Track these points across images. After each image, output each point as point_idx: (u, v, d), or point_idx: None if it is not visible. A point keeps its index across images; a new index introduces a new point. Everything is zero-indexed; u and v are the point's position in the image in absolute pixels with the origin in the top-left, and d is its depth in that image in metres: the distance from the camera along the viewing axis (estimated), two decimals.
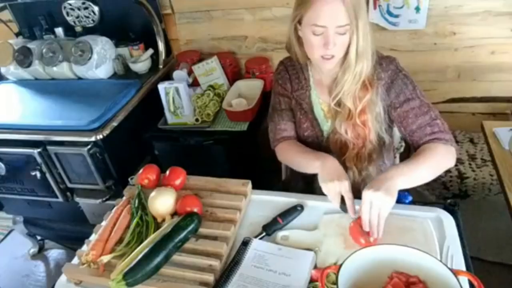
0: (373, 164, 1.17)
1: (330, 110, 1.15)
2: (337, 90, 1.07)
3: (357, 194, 1.08)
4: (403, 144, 1.40)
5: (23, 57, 1.86)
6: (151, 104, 1.73)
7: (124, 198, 1.12)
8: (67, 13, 1.93)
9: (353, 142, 1.12)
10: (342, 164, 1.14)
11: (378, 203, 0.88)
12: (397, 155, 1.41)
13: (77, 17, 1.94)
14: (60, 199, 1.73)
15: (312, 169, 1.06)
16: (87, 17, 1.93)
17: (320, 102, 1.17)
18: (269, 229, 1.00)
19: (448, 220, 0.97)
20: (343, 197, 0.98)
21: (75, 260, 0.98)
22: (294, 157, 1.16)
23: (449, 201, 1.04)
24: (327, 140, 1.18)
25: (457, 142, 1.80)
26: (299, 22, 1.02)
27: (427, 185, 1.00)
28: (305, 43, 1.04)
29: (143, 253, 0.88)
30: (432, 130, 1.05)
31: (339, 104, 1.09)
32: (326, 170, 1.01)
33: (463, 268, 0.85)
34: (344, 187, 0.97)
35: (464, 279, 0.77)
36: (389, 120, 1.14)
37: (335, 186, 0.97)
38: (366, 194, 0.90)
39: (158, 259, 0.88)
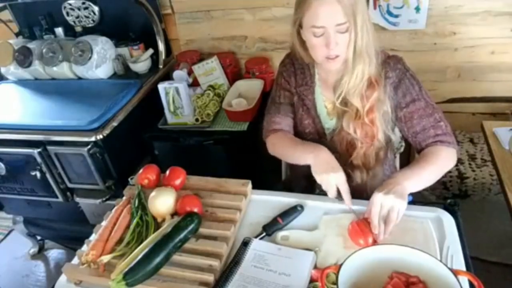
0: (380, 163, 1.17)
1: (334, 108, 1.14)
2: (340, 89, 1.07)
3: (363, 194, 1.08)
4: (403, 144, 1.40)
5: (23, 57, 1.86)
6: (151, 104, 1.74)
7: (124, 198, 1.12)
8: (67, 13, 1.93)
9: (361, 141, 1.11)
10: (349, 164, 1.15)
11: (389, 205, 0.90)
12: (397, 155, 1.41)
13: (77, 17, 1.94)
14: (60, 199, 1.73)
15: (304, 161, 1.06)
16: (87, 17, 1.93)
17: (324, 100, 1.17)
18: (269, 229, 1.00)
19: (448, 220, 0.97)
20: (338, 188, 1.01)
21: (75, 260, 0.98)
22: (285, 149, 1.17)
23: (449, 201, 1.04)
24: (332, 140, 1.17)
25: (457, 142, 1.80)
26: (300, 25, 1.02)
27: None
28: (308, 46, 1.04)
29: (143, 253, 0.88)
30: (435, 133, 1.06)
31: (345, 103, 1.09)
32: (320, 162, 1.02)
33: (463, 268, 0.85)
34: (339, 179, 0.99)
35: (464, 279, 0.77)
36: (395, 119, 1.14)
37: (330, 179, 0.99)
38: (377, 196, 0.91)
39: (158, 259, 0.88)
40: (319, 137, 1.19)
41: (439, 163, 1.02)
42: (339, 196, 1.00)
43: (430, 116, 1.06)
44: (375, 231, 0.90)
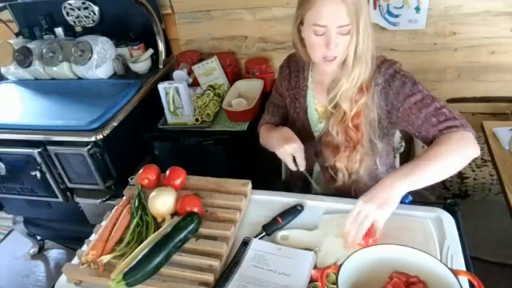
0: (364, 167, 1.14)
1: (325, 112, 1.14)
2: (334, 92, 1.06)
3: (347, 196, 1.09)
4: (403, 144, 1.40)
5: (23, 57, 1.86)
6: (151, 104, 1.74)
7: (124, 198, 1.12)
8: (67, 13, 1.93)
9: (344, 145, 1.11)
10: (333, 165, 1.16)
11: (364, 214, 0.86)
12: (397, 155, 1.41)
13: (77, 17, 1.94)
14: (60, 199, 1.73)
15: (272, 144, 1.15)
16: (87, 17, 1.93)
17: (315, 103, 1.17)
18: (269, 229, 0.99)
19: (448, 220, 0.97)
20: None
21: (75, 260, 0.98)
22: (264, 138, 1.27)
23: (449, 201, 1.03)
24: (320, 140, 1.18)
25: None
26: (301, 22, 1.02)
27: None
28: (307, 44, 1.03)
29: (143, 253, 0.88)
30: (438, 120, 0.97)
31: (334, 106, 1.09)
32: (277, 139, 1.12)
33: (463, 268, 0.85)
34: (292, 148, 1.08)
35: (464, 279, 0.77)
36: (389, 124, 1.13)
37: (285, 150, 1.08)
38: (358, 203, 0.88)
39: (158, 259, 0.88)
40: (308, 139, 1.19)
41: (449, 152, 0.91)
42: (297, 165, 1.10)
43: (429, 105, 0.98)
44: (349, 240, 0.89)
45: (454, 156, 0.92)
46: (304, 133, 1.19)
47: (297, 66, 1.19)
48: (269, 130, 1.26)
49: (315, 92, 1.17)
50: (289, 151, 1.08)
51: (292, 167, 1.10)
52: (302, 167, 1.10)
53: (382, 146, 1.15)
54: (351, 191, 1.18)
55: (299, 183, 1.29)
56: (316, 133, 1.19)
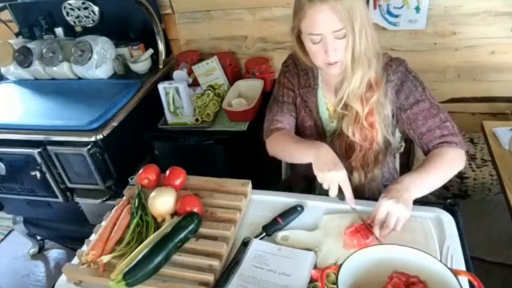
0: (378, 166, 1.16)
1: (336, 111, 1.14)
2: (340, 95, 1.07)
3: (361, 196, 1.08)
4: (403, 144, 1.40)
5: (23, 57, 1.86)
6: (151, 104, 1.74)
7: (124, 198, 1.12)
8: (67, 13, 1.93)
9: (360, 145, 1.11)
10: (348, 166, 1.14)
11: (396, 214, 0.90)
12: (397, 155, 1.41)
13: (77, 17, 1.94)
14: (60, 199, 1.73)
15: (306, 158, 1.03)
16: (87, 17, 1.93)
17: (326, 102, 1.17)
18: (269, 229, 0.99)
19: (448, 220, 0.97)
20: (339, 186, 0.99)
21: (75, 260, 0.98)
22: (286, 147, 1.13)
23: (449, 201, 1.03)
24: (332, 141, 1.17)
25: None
26: (300, 31, 1.02)
27: None
28: (308, 52, 1.04)
29: (143, 253, 0.88)
30: (441, 133, 1.04)
31: (346, 106, 1.08)
32: (321, 158, 0.99)
33: (463, 268, 0.85)
34: (340, 176, 0.96)
35: (464, 279, 0.77)
36: (396, 122, 1.14)
37: (332, 176, 0.95)
38: (386, 203, 0.90)
39: (158, 259, 0.88)
40: (320, 138, 1.18)
41: (445, 167, 1.00)
42: (340, 194, 0.98)
43: (435, 116, 1.05)
44: (377, 235, 0.90)
45: (451, 170, 1.01)
46: (316, 131, 1.19)
47: (304, 64, 1.17)
48: (296, 140, 1.12)
49: (325, 91, 1.16)
50: (337, 178, 0.96)
51: (334, 194, 0.98)
52: (352, 201, 0.98)
53: (395, 142, 1.17)
54: (365, 191, 1.17)
55: (300, 184, 1.29)
56: (328, 133, 1.18)
